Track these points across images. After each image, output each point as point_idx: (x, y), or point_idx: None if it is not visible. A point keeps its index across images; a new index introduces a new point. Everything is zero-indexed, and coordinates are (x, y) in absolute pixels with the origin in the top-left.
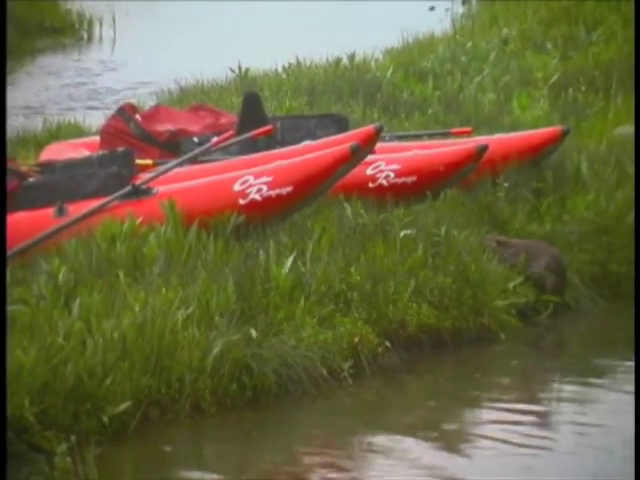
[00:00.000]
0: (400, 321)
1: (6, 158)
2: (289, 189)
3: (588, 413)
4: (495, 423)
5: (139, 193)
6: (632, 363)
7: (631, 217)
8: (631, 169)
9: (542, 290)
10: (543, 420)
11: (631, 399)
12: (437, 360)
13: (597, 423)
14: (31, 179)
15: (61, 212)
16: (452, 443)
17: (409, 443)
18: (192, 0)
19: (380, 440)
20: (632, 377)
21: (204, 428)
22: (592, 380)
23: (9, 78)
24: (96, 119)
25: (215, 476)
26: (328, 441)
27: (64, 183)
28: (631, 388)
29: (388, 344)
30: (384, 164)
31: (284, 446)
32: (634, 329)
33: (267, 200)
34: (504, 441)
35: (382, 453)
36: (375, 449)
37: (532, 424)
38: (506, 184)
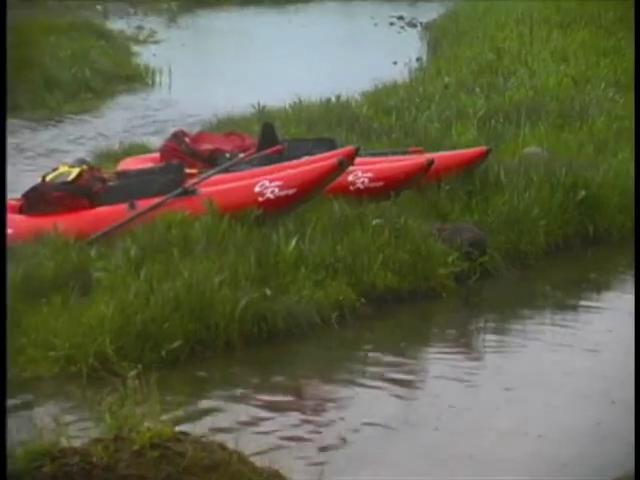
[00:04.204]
0: (372, 284)
1: (6, 160)
2: (294, 190)
3: (505, 342)
4: (434, 347)
5: (187, 193)
6: (533, 314)
7: (535, 212)
8: (536, 177)
9: (471, 260)
10: (468, 347)
11: (532, 329)
12: (397, 312)
13: (513, 347)
14: (111, 183)
15: (132, 207)
16: (407, 364)
17: (376, 366)
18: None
19: (356, 364)
20: (536, 318)
21: (233, 359)
22: (507, 325)
23: (97, 112)
24: (157, 141)
25: (240, 390)
26: (320, 366)
27: (134, 186)
28: (533, 324)
29: (363, 300)
30: (360, 173)
31: (290, 370)
32: (634, 313)
33: (278, 198)
34: (440, 356)
35: (357, 373)
36: (353, 370)
37: (460, 349)
38: (447, 187)
